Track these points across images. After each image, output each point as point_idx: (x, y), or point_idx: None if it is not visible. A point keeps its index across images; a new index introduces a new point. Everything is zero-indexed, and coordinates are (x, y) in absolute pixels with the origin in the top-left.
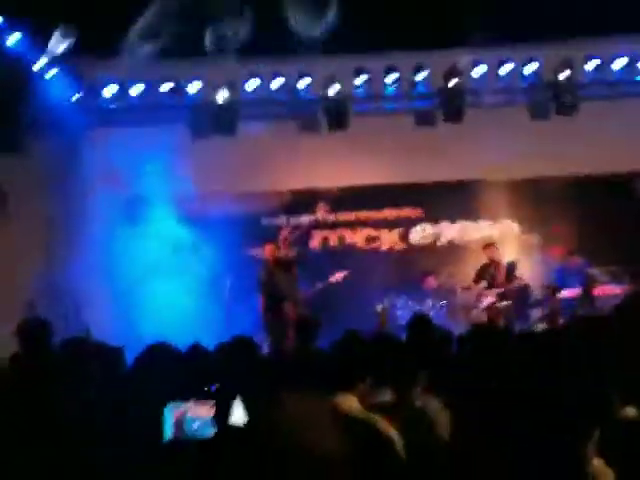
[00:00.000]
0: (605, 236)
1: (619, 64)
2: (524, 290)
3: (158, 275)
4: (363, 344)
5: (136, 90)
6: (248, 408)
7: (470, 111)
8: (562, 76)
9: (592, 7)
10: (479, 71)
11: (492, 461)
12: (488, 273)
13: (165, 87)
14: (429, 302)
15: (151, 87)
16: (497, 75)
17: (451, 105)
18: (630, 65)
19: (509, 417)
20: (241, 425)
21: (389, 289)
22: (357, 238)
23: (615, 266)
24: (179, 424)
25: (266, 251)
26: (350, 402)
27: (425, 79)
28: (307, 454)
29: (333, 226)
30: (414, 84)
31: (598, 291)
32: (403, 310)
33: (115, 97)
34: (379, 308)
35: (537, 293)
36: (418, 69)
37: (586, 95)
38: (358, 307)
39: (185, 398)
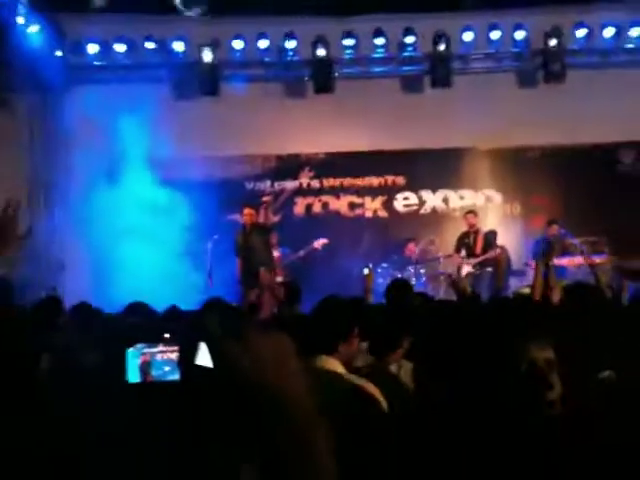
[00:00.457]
0: (587, 207)
1: (607, 33)
2: (504, 259)
3: (137, 237)
4: (343, 307)
5: (120, 47)
6: (212, 350)
7: (457, 77)
8: (551, 43)
9: None
10: (468, 37)
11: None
12: (466, 241)
13: (149, 45)
14: (410, 269)
15: (135, 45)
16: (486, 41)
17: (439, 70)
18: (618, 34)
19: (467, 382)
20: (207, 366)
21: (372, 256)
22: (341, 205)
23: (596, 237)
24: (145, 368)
25: (244, 215)
26: (333, 365)
27: (413, 44)
28: (274, 392)
29: (317, 192)
30: (402, 48)
31: (577, 261)
32: (384, 278)
33: (98, 54)
34: (366, 271)
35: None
36: (406, 33)
37: (574, 63)
38: (340, 274)
39: (152, 342)
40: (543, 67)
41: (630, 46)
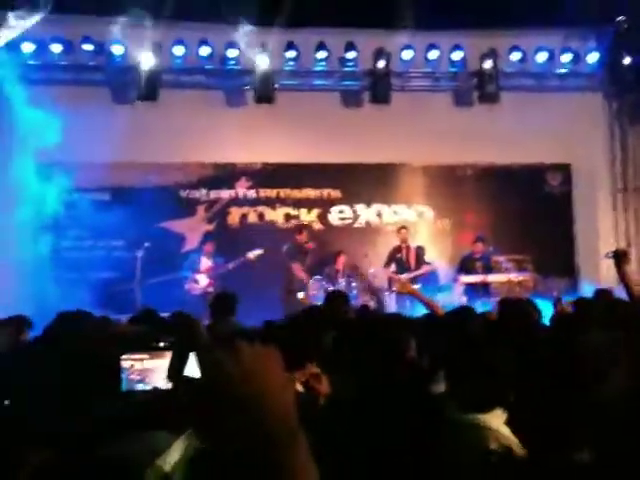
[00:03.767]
0: (514, 226)
1: (541, 57)
2: (432, 274)
3: (67, 243)
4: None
5: (56, 48)
6: (201, 360)
7: (396, 94)
8: (486, 65)
9: (518, 1)
10: (407, 55)
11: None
12: (398, 256)
13: (87, 47)
14: (342, 282)
15: (72, 46)
16: (424, 60)
17: (378, 87)
18: (551, 59)
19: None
20: (195, 377)
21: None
22: (276, 216)
23: (521, 255)
24: (132, 376)
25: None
26: None
27: (354, 59)
28: (259, 405)
29: (253, 202)
30: (343, 63)
31: (502, 279)
32: (317, 290)
33: (35, 54)
34: (300, 295)
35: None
36: (348, 48)
37: (508, 86)
38: (273, 285)
39: (138, 351)
40: (478, 88)
41: (562, 71)
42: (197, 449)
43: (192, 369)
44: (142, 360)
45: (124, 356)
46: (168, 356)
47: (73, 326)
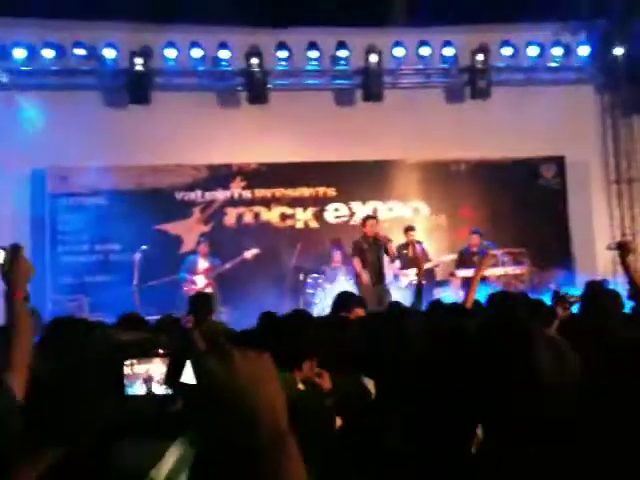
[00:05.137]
0: (510, 219)
1: (532, 52)
2: (430, 271)
3: (64, 248)
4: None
5: (48, 53)
6: (196, 368)
7: (388, 91)
8: (478, 61)
9: None
10: (398, 52)
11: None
12: (404, 252)
13: (78, 51)
14: (341, 279)
15: (64, 51)
16: (416, 57)
17: (370, 84)
18: (542, 53)
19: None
20: (192, 383)
21: (302, 267)
22: (272, 215)
23: (517, 248)
24: (132, 381)
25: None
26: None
27: (346, 57)
28: (251, 411)
29: (248, 203)
30: (335, 61)
31: (498, 272)
32: (314, 288)
33: (26, 59)
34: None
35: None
36: (339, 47)
37: (500, 80)
38: (270, 284)
39: (138, 357)
40: (470, 83)
41: (553, 64)
42: (195, 454)
43: (188, 376)
44: (141, 365)
45: (126, 362)
46: (166, 362)
47: (69, 332)
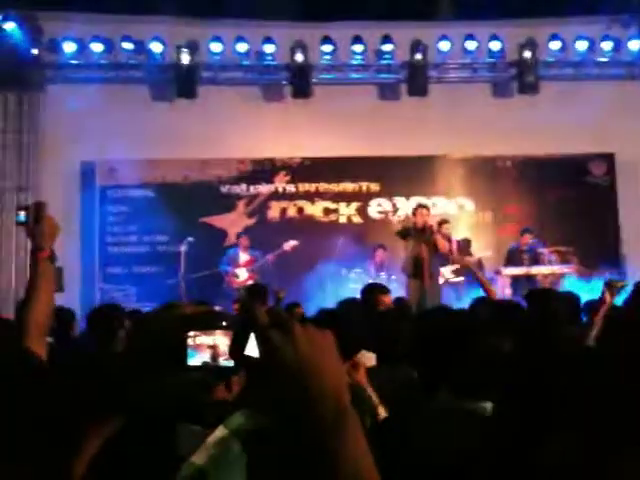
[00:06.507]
0: (557, 217)
1: (581, 46)
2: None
3: (113, 239)
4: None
5: (97, 47)
6: (259, 339)
7: (433, 86)
8: (525, 55)
9: None
10: (444, 46)
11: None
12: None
13: (126, 45)
14: (383, 275)
15: (112, 45)
16: (462, 51)
17: (415, 79)
18: (591, 47)
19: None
20: (254, 356)
21: (345, 262)
22: (315, 210)
23: (565, 247)
24: (196, 351)
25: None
26: None
27: (391, 52)
28: (314, 384)
29: (292, 197)
30: (380, 56)
31: (546, 270)
32: (357, 283)
33: (75, 53)
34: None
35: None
36: (384, 41)
37: (548, 75)
38: (313, 279)
39: (202, 329)
40: (517, 78)
41: (602, 59)
42: (252, 431)
43: (252, 348)
44: (205, 337)
45: (190, 333)
46: (229, 335)
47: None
